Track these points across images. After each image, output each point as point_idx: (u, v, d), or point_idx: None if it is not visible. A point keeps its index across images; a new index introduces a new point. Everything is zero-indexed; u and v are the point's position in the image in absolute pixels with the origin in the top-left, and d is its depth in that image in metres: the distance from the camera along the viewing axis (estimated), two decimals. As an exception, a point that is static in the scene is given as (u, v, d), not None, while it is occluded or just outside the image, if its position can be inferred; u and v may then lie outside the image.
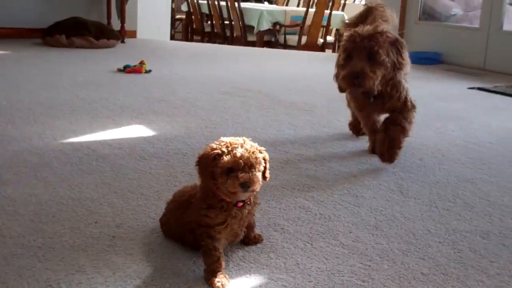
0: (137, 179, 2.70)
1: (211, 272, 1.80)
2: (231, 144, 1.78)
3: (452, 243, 2.17)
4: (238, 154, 1.74)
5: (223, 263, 1.82)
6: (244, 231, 1.98)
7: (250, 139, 1.84)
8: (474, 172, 3.03)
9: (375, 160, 3.11)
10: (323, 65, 7.22)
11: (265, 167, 1.85)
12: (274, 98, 4.78)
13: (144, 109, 4.16)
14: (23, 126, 3.56)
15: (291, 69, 6.79)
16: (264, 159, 1.84)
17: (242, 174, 1.74)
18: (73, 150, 3.10)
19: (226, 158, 1.75)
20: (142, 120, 3.84)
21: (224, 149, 1.77)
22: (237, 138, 1.82)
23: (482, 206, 2.55)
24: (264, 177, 1.85)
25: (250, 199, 1.88)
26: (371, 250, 2.09)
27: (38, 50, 7.23)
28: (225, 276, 1.80)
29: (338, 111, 4.37)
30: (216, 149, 1.79)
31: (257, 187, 1.79)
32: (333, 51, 10.32)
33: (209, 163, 1.79)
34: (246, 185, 1.74)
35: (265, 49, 9.41)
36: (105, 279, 1.81)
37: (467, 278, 1.91)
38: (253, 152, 1.78)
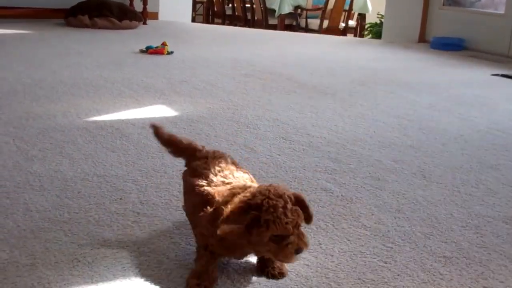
0: (161, 158, 2.72)
1: (197, 272, 1.67)
2: (274, 208, 1.53)
3: (475, 228, 2.16)
4: (286, 220, 1.53)
5: (216, 265, 1.69)
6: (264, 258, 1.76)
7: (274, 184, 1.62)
8: (497, 158, 3.01)
9: (398, 144, 3.11)
10: (345, 49, 7.18)
11: (307, 208, 1.63)
12: (296, 81, 4.77)
13: (166, 90, 4.18)
14: (47, 104, 3.60)
15: (313, 52, 6.76)
16: (302, 205, 1.61)
17: (295, 240, 1.55)
18: (97, 128, 3.13)
19: (274, 226, 1.52)
20: (165, 100, 3.87)
21: (269, 216, 1.52)
22: (273, 191, 1.57)
23: (505, 192, 2.54)
24: (308, 219, 1.64)
25: None
26: (393, 232, 2.09)
27: (61, 31, 7.27)
28: (210, 280, 1.65)
29: (360, 94, 4.36)
30: (256, 215, 1.53)
31: (309, 247, 1.62)
32: (355, 35, 10.26)
33: (245, 226, 1.54)
34: (301, 251, 1.57)
35: (286, 32, 9.37)
36: (129, 254, 1.84)
37: (490, 262, 1.91)
38: (295, 211, 1.57)
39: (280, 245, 1.54)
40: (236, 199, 1.60)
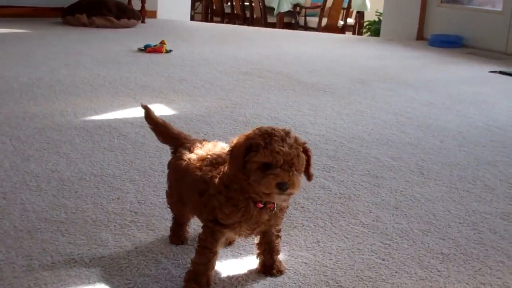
0: (158, 157, 2.72)
1: (194, 273, 1.65)
2: (270, 135, 1.50)
3: (472, 224, 2.16)
4: (277, 149, 1.47)
5: (214, 264, 1.67)
6: (263, 257, 1.74)
7: (287, 128, 1.58)
8: (495, 154, 3.01)
9: (396, 142, 3.11)
10: (343, 47, 7.18)
11: (309, 163, 1.57)
12: (294, 79, 4.77)
13: (164, 89, 4.18)
14: (44, 103, 3.59)
15: (311, 50, 6.76)
16: (307, 155, 1.56)
17: (280, 173, 1.47)
18: (94, 127, 3.13)
19: (263, 152, 1.48)
20: (163, 99, 3.86)
21: (261, 141, 1.49)
22: (279, 127, 1.56)
23: (503, 189, 2.54)
24: (308, 175, 1.59)
25: (274, 205, 1.60)
26: (391, 229, 2.09)
27: (59, 29, 7.26)
28: (207, 281, 1.64)
29: (359, 92, 4.35)
30: (252, 138, 1.52)
31: (297, 190, 1.50)
32: (353, 33, 10.25)
33: (241, 155, 1.51)
34: (284, 186, 1.47)
35: (285, 30, 9.36)
36: (127, 254, 1.84)
37: (487, 258, 1.91)
38: (295, 148, 1.51)
39: (264, 174, 1.47)
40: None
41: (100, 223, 2.04)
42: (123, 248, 1.87)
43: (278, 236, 1.73)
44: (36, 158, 2.64)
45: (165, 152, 2.77)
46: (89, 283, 1.67)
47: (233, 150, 1.55)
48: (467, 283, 1.75)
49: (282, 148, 1.47)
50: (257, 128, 1.55)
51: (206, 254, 1.64)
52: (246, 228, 1.61)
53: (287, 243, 1.94)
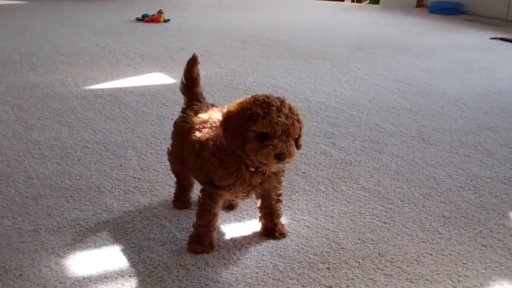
0: (160, 125, 2.72)
1: (196, 236, 1.69)
2: (267, 105, 1.51)
3: (473, 188, 2.18)
4: (276, 119, 1.49)
5: (215, 225, 1.71)
6: (264, 221, 1.78)
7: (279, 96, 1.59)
8: (496, 120, 3.01)
9: (397, 108, 3.11)
10: (343, 15, 7.12)
11: (299, 134, 1.59)
12: (293, 47, 4.74)
13: (163, 58, 4.16)
14: (45, 74, 3.59)
15: (310, 18, 6.71)
16: (300, 123, 1.57)
17: (279, 144, 1.49)
18: (95, 96, 3.13)
19: (262, 122, 1.49)
20: (162, 68, 3.85)
21: (259, 110, 1.50)
22: (273, 95, 1.56)
23: (504, 153, 2.55)
24: (297, 145, 1.59)
25: (265, 169, 1.62)
26: (392, 193, 2.11)
27: (56, 0, 7.19)
28: (210, 243, 1.68)
29: (359, 59, 4.34)
30: (249, 108, 1.52)
31: (293, 159, 1.54)
32: (353, 1, 10.16)
33: (241, 124, 1.52)
34: (282, 157, 1.50)
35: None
36: (131, 218, 1.85)
37: (488, 221, 1.93)
38: (291, 117, 1.52)
39: (262, 145, 1.50)
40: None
41: (104, 189, 2.05)
42: (128, 213, 1.89)
43: (278, 200, 1.76)
44: (39, 127, 2.64)
45: (166, 120, 2.78)
46: (95, 247, 1.70)
47: (230, 119, 1.55)
48: (468, 245, 1.78)
49: (280, 119, 1.49)
50: (252, 96, 1.55)
51: (206, 216, 1.67)
52: (241, 190, 1.64)
53: (289, 207, 1.96)
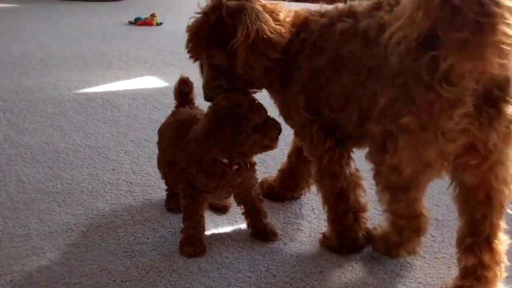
0: (152, 128, 2.71)
1: (186, 238, 1.70)
2: (239, 101, 1.59)
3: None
4: (259, 109, 1.60)
5: (204, 226, 1.72)
6: (254, 223, 1.78)
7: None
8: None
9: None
10: None
11: None
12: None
13: (156, 61, 4.15)
14: (37, 77, 3.57)
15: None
16: None
17: (274, 120, 1.62)
18: (87, 100, 3.11)
19: (253, 116, 1.58)
20: (155, 71, 3.84)
21: (245, 108, 1.58)
22: (230, 95, 1.64)
23: (496, 156, 2.55)
24: None
25: (247, 163, 1.69)
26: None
27: (48, 3, 7.17)
28: (201, 244, 1.69)
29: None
30: (238, 109, 1.58)
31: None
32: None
33: (240, 124, 1.57)
34: (280, 130, 1.62)
35: None
36: (124, 223, 1.85)
37: (481, 224, 1.93)
38: (261, 104, 1.64)
39: (264, 130, 1.59)
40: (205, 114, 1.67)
41: (96, 193, 2.05)
42: (120, 217, 1.88)
43: (260, 200, 1.78)
44: (30, 131, 2.63)
45: (159, 124, 2.74)
46: (87, 251, 1.69)
47: (228, 122, 1.58)
48: (461, 248, 1.77)
49: (260, 106, 1.60)
50: (216, 104, 1.63)
51: (193, 218, 1.69)
52: (225, 191, 1.70)
53: (282, 211, 1.96)
